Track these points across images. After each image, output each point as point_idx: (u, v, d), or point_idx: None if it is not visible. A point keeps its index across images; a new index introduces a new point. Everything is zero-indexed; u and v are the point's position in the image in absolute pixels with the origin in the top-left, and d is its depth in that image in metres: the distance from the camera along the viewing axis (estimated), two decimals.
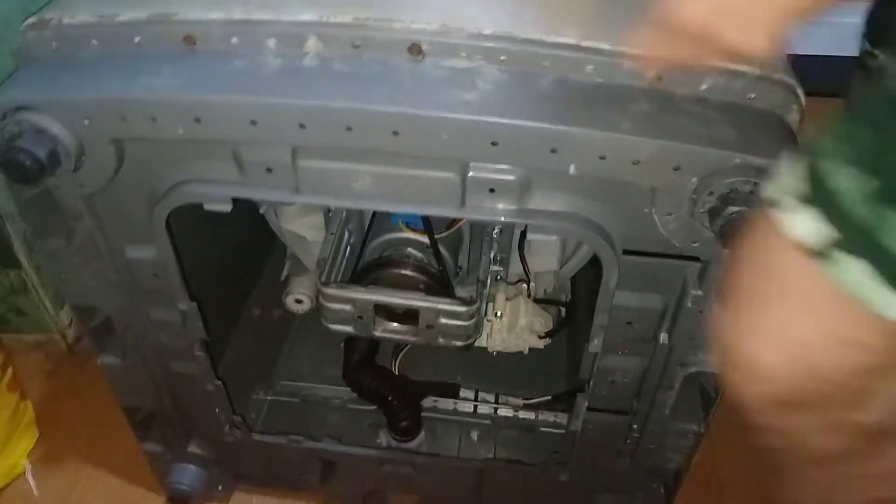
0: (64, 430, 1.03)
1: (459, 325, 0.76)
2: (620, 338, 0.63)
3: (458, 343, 0.78)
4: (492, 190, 0.54)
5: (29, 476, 0.99)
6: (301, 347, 1.04)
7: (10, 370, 0.99)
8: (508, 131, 0.50)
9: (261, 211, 0.90)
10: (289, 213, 0.89)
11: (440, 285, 0.79)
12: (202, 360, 0.72)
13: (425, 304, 0.74)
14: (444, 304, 0.74)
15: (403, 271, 0.78)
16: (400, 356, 0.99)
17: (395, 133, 0.51)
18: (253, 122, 0.53)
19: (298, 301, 0.98)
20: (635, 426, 0.71)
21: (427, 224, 0.76)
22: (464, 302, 0.75)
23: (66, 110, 0.54)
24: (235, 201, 0.58)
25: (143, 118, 0.54)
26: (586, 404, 0.68)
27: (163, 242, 0.62)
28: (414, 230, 0.80)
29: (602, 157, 0.50)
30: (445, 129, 0.50)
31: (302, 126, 0.53)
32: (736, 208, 0.48)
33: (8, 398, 0.99)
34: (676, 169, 0.50)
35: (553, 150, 0.50)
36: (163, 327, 0.69)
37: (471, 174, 0.54)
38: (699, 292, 0.56)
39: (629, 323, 0.62)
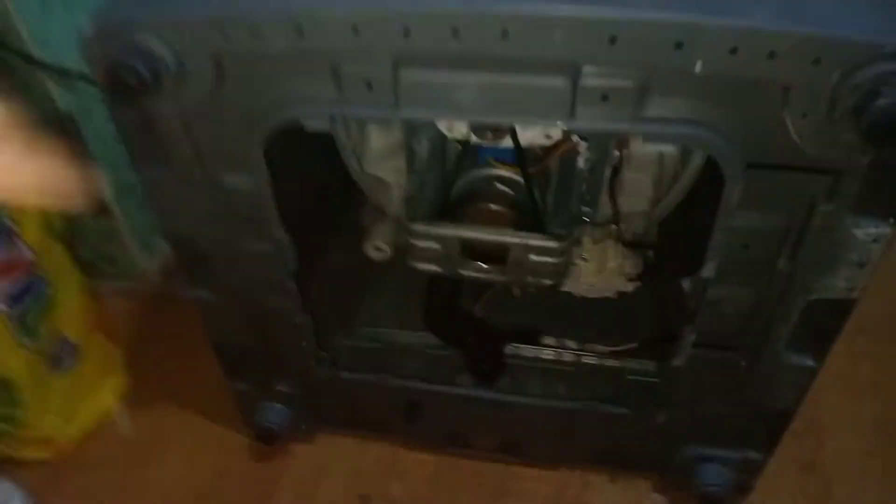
0: (153, 372, 1.05)
1: (550, 263, 0.74)
2: (734, 264, 0.58)
3: (548, 282, 0.76)
4: (605, 97, 0.51)
5: (120, 418, 1.01)
6: (381, 295, 1.02)
7: (99, 314, 1.00)
8: (629, 25, 0.46)
9: (343, 155, 0.88)
10: (371, 156, 0.87)
11: (531, 221, 0.76)
12: (292, 293, 0.71)
13: (515, 240, 0.72)
14: (536, 240, 0.72)
15: (493, 206, 0.76)
16: (482, 301, 0.96)
17: (505, 34, 0.48)
18: (355, 30, 0.50)
19: (378, 249, 0.96)
20: (743, 363, 0.66)
21: (519, 153, 0.72)
22: (556, 237, 0.72)
23: (167, 27, 0.53)
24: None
25: (243, 31, 0.52)
26: (693, 338, 0.64)
27: (260, 169, 0.60)
28: (504, 164, 0.76)
29: (733, 51, 0.46)
30: (560, 25, 0.47)
31: (406, 33, 0.50)
32: (886, 101, 0.42)
33: (99, 342, 1.01)
34: (816, 62, 0.45)
35: (678, 45, 0.46)
36: (256, 259, 0.68)
37: (583, 80, 0.50)
38: (830, 208, 0.51)
39: (745, 246, 0.57)
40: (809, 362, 0.65)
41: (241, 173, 0.61)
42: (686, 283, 0.91)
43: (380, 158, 0.86)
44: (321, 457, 0.95)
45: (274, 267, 0.68)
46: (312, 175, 0.85)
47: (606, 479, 0.91)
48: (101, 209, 0.98)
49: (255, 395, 0.85)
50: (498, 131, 0.68)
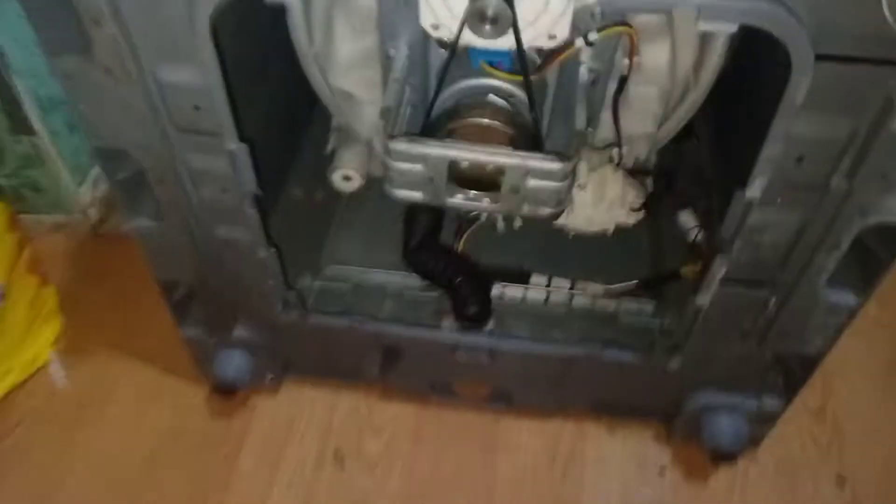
0: (91, 317, 0.94)
1: (551, 188, 0.64)
2: (783, 181, 0.49)
3: (547, 211, 0.67)
4: None
5: (54, 368, 0.90)
6: (351, 230, 0.94)
7: (27, 251, 0.87)
8: None
9: (304, 62, 0.75)
10: (338, 65, 0.76)
11: (528, 140, 0.67)
12: (252, 221, 0.60)
13: (513, 161, 0.62)
14: (536, 161, 0.62)
15: (485, 121, 0.66)
16: (464, 238, 0.88)
17: None
18: None
19: (346, 178, 0.87)
20: (773, 300, 0.57)
21: (520, 51, 0.60)
22: (559, 157, 0.63)
23: None
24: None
25: None
26: (722, 272, 0.54)
27: (207, 58, 0.47)
28: (499, 70, 0.65)
29: None
30: None
31: None
32: None
33: (27, 282, 0.89)
34: None
35: None
36: (206, 178, 0.57)
37: None
38: None
39: (799, 159, 0.47)
40: (851, 300, 0.58)
41: (183, 65, 0.48)
42: (684, 217, 0.89)
43: (349, 68, 0.76)
44: (288, 411, 0.86)
45: (228, 188, 0.57)
46: (270, 82, 0.71)
47: (604, 429, 0.86)
48: (23, 127, 0.84)
49: (211, 342, 0.75)
50: (496, 21, 0.56)
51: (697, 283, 0.65)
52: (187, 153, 0.56)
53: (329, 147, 0.88)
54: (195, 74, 0.49)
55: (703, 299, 0.60)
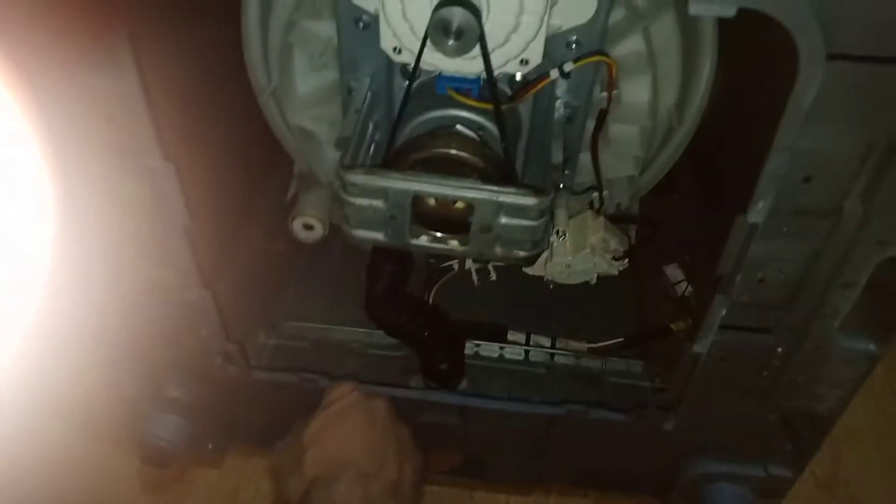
0: None
1: (526, 227, 0.59)
2: (789, 204, 0.42)
3: (522, 254, 0.61)
4: None
5: None
6: (311, 284, 0.89)
7: None
8: None
9: (261, 99, 0.70)
10: (296, 101, 0.71)
11: (501, 173, 0.62)
12: (183, 256, 0.52)
13: (483, 195, 0.57)
14: (509, 195, 0.57)
15: (453, 151, 0.60)
16: (434, 289, 0.83)
17: None
18: None
19: (308, 227, 0.82)
20: (780, 349, 0.50)
21: (490, 80, 0.55)
22: (535, 191, 0.57)
23: None
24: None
25: None
26: (721, 315, 0.47)
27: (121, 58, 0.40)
28: (468, 98, 0.61)
29: None
30: None
31: None
32: None
33: None
34: None
35: None
36: (125, 201, 0.48)
37: None
38: None
39: (807, 179, 0.41)
40: (870, 347, 0.50)
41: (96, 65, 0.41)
42: (671, 270, 0.83)
43: (308, 104, 0.71)
44: (231, 484, 0.76)
45: (153, 213, 0.49)
46: (224, 116, 0.66)
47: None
48: None
49: (140, 402, 0.65)
50: (461, 36, 0.50)
51: (692, 335, 0.58)
52: (111, 171, 0.49)
53: (290, 193, 0.83)
54: (110, 76, 0.42)
55: (701, 346, 0.53)
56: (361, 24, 0.60)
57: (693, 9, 0.36)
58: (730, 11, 0.36)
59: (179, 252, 0.54)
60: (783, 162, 0.41)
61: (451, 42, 0.52)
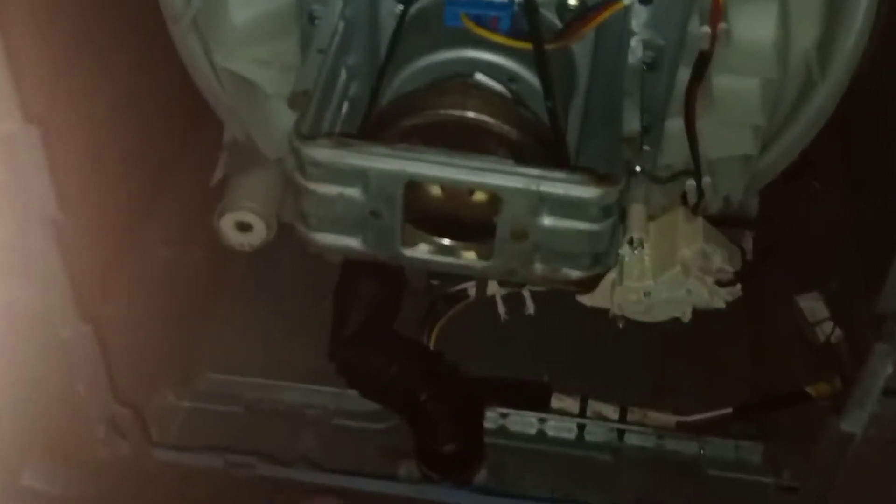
0: None
1: (582, 232, 0.61)
2: None
3: (575, 274, 0.65)
4: None
5: None
6: (247, 316, 0.94)
7: None
8: None
9: (176, 30, 0.74)
10: (229, 35, 0.74)
11: (543, 148, 0.64)
12: (50, 269, 0.57)
13: (516, 183, 0.59)
14: (556, 182, 0.59)
15: (469, 113, 0.62)
16: (437, 328, 0.87)
17: None
18: None
19: (244, 226, 0.85)
20: None
21: (528, 7, 0.57)
22: (596, 178, 0.59)
23: None
24: None
25: None
26: (888, 372, 0.49)
27: None
28: (493, 32, 0.63)
29: None
30: None
31: None
32: None
33: None
34: None
35: None
36: None
37: None
38: None
39: None
40: None
41: None
42: (808, 302, 0.85)
43: (247, 39, 0.74)
44: None
45: (8, 202, 0.54)
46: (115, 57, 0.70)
47: None
48: None
49: None
50: None
51: (840, 404, 0.60)
52: None
53: (216, 175, 0.86)
54: None
55: (854, 423, 0.55)
56: None
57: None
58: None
59: (45, 261, 0.56)
60: None
61: None
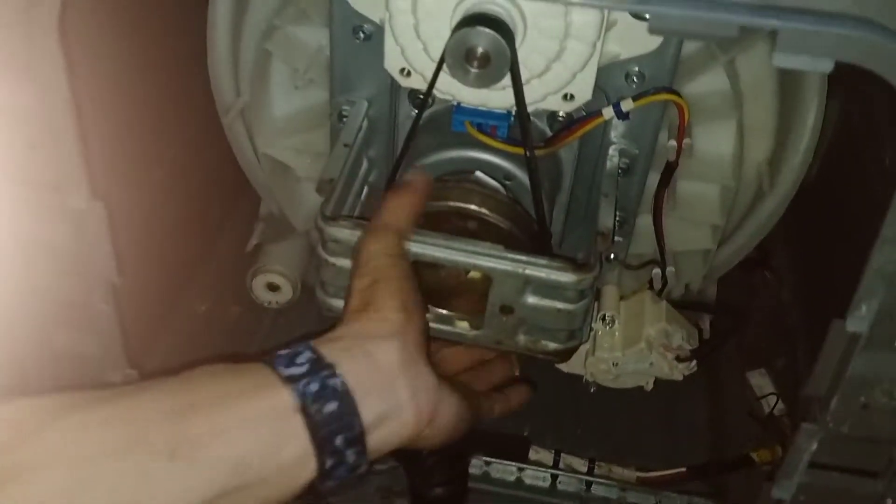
0: None
1: (561, 311, 0.62)
2: None
3: (553, 346, 0.66)
4: None
5: None
6: None
7: None
8: None
9: (226, 119, 0.75)
10: (271, 125, 0.77)
11: (531, 238, 0.65)
12: (106, 325, 0.55)
13: (505, 266, 0.60)
14: (540, 267, 0.60)
15: (470, 206, 0.64)
16: None
17: None
18: None
19: (273, 287, 0.87)
20: (889, 501, 0.52)
21: (522, 118, 0.58)
22: (574, 266, 0.60)
23: None
24: None
25: None
26: (813, 447, 0.49)
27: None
28: (493, 138, 0.65)
29: None
30: None
31: None
32: None
33: None
34: None
35: None
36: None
37: None
38: None
39: None
40: None
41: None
42: (756, 378, 0.85)
43: (286, 130, 0.76)
44: None
45: (73, 266, 0.55)
46: (172, 137, 0.70)
47: None
48: None
49: None
50: (487, 63, 0.54)
51: (776, 471, 0.60)
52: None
53: (252, 242, 0.87)
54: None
55: (784, 490, 0.55)
56: (362, 35, 0.64)
57: (778, 61, 0.39)
58: (825, 66, 0.39)
59: (103, 317, 0.57)
60: (893, 257, 0.44)
61: (473, 70, 0.55)
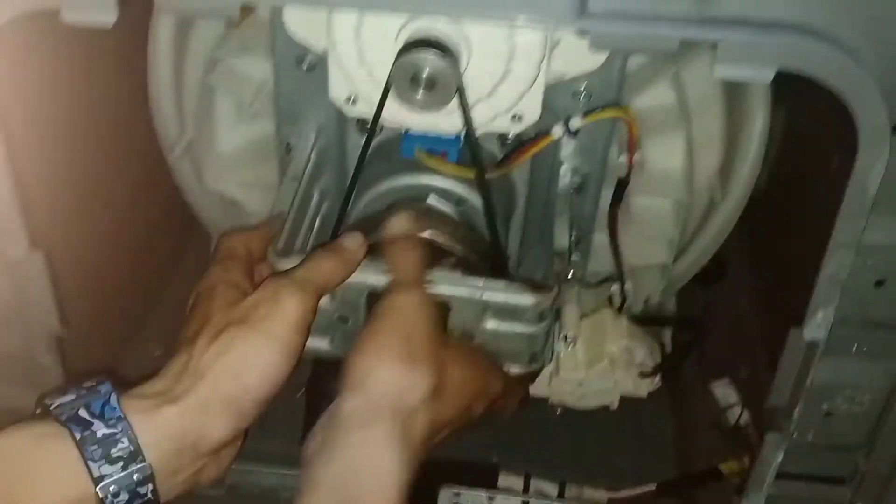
0: None
1: (521, 335, 0.62)
2: (859, 316, 0.45)
3: (516, 369, 0.65)
4: None
5: None
6: None
7: None
8: None
9: (171, 156, 0.74)
10: (218, 162, 0.75)
11: (487, 262, 0.65)
12: (51, 379, 0.52)
13: (462, 291, 0.59)
14: (498, 291, 0.59)
15: (422, 233, 0.63)
16: None
17: None
18: None
19: None
20: None
21: (471, 141, 0.58)
22: (532, 287, 0.60)
23: None
24: None
25: None
26: (779, 458, 0.49)
27: None
28: (443, 162, 0.65)
29: None
30: None
31: None
32: None
33: None
34: None
35: None
36: None
37: None
38: None
39: (880, 283, 0.44)
40: None
41: None
42: (720, 389, 0.86)
43: (233, 165, 0.75)
44: None
45: (14, 320, 0.52)
46: (116, 180, 0.69)
47: None
48: None
49: None
50: (433, 86, 0.54)
51: (745, 483, 0.60)
52: None
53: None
54: None
55: (754, 501, 0.54)
56: (305, 65, 0.64)
57: (719, 72, 0.39)
58: (766, 76, 0.40)
59: (46, 371, 0.56)
60: (845, 262, 0.44)
61: (420, 94, 0.55)
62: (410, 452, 0.52)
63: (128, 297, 0.77)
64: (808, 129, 0.69)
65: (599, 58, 0.60)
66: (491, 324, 0.61)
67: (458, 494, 0.81)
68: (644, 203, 0.72)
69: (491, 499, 0.81)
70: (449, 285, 0.59)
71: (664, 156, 0.70)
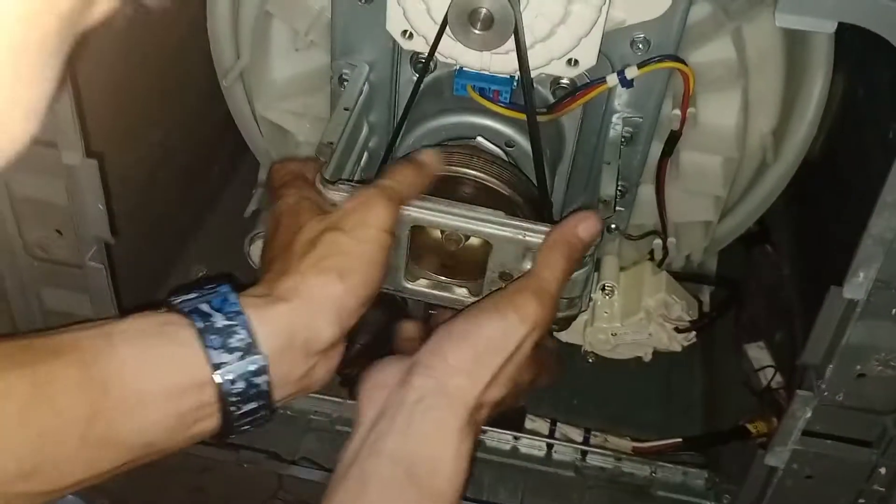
0: None
1: None
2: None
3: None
4: None
5: None
6: None
7: None
8: None
9: (224, 82, 0.75)
10: (270, 89, 0.75)
11: (532, 205, 0.65)
12: (98, 284, 0.55)
13: (506, 232, 0.60)
14: (540, 234, 0.59)
15: (470, 171, 0.63)
16: None
17: None
18: None
19: None
20: (883, 470, 0.52)
21: (525, 83, 0.58)
22: None
23: None
24: None
25: None
26: (805, 418, 0.49)
27: None
28: (495, 103, 0.64)
29: None
30: None
31: None
32: None
33: None
34: None
35: None
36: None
37: None
38: None
39: None
40: None
41: None
42: (754, 351, 0.86)
43: (286, 94, 0.76)
44: None
45: (64, 226, 0.53)
46: (168, 102, 0.69)
47: None
48: None
49: None
50: (490, 25, 0.54)
51: (770, 441, 0.60)
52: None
53: (250, 208, 0.86)
54: None
55: (777, 458, 0.55)
56: None
57: (780, 20, 0.39)
58: (827, 27, 0.39)
59: (94, 278, 0.57)
60: (892, 222, 0.44)
61: (476, 31, 0.55)
62: (473, 443, 0.55)
63: (175, 215, 0.78)
64: (866, 96, 0.68)
65: (661, 6, 0.59)
66: (531, 266, 0.60)
67: (484, 432, 0.81)
68: (694, 159, 0.72)
69: (516, 439, 0.82)
70: (492, 225, 0.59)
71: (718, 112, 0.69)
